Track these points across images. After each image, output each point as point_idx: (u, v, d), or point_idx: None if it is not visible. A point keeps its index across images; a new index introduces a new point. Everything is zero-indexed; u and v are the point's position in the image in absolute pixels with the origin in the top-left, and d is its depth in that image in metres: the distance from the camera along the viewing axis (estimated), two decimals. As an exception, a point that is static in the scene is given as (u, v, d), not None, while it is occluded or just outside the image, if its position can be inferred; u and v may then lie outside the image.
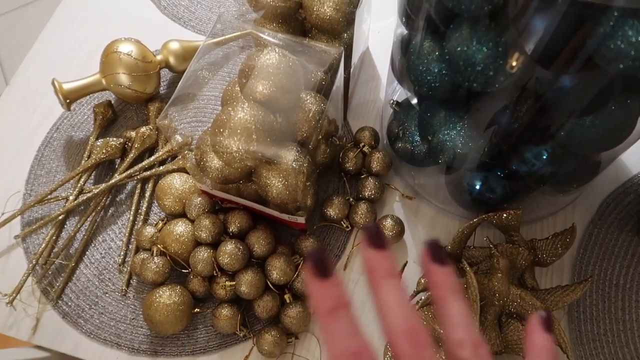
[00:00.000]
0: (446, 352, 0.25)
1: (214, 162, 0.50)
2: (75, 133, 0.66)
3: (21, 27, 1.64)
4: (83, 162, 0.62)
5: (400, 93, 0.65)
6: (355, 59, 0.61)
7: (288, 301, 0.53)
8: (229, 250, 0.52)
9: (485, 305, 0.50)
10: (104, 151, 0.60)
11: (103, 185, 0.59)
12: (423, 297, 0.53)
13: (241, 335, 0.53)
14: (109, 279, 0.58)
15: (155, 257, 0.53)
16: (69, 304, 0.56)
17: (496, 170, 0.53)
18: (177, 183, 0.58)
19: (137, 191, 0.61)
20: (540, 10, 0.35)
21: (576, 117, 0.41)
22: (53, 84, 0.61)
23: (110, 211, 0.61)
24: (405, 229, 0.57)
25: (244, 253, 0.52)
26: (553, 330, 0.27)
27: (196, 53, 0.52)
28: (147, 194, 0.61)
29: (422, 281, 0.54)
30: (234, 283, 0.52)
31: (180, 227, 0.55)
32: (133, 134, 0.63)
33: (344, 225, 0.58)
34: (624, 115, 0.40)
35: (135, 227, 0.60)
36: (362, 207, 0.58)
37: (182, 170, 0.61)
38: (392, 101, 0.58)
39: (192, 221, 0.56)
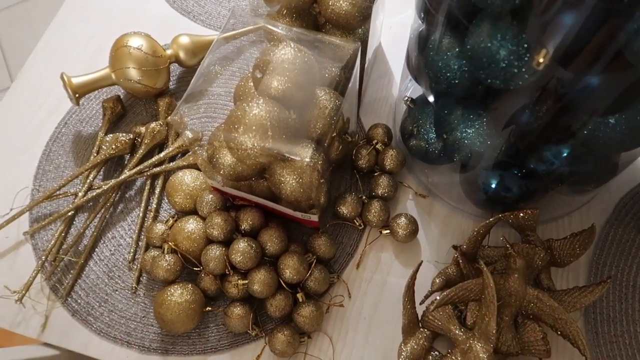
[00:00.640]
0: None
1: (227, 158, 0.50)
2: (83, 128, 0.65)
3: (24, 21, 1.63)
4: (92, 157, 0.61)
5: (413, 90, 0.64)
6: (369, 54, 0.60)
7: (301, 300, 0.52)
8: (241, 248, 0.51)
9: (501, 306, 0.50)
10: (113, 147, 0.60)
11: (112, 181, 0.58)
12: (438, 297, 0.52)
13: (253, 334, 0.53)
14: (119, 276, 0.57)
15: (166, 255, 0.53)
16: (79, 301, 0.56)
17: (512, 169, 0.53)
18: (188, 179, 0.57)
19: (147, 187, 0.60)
20: (568, 5, 0.34)
21: (600, 116, 0.40)
22: (62, 78, 0.60)
23: (119, 207, 0.61)
24: (419, 227, 0.57)
25: (256, 251, 0.51)
26: None
27: (210, 48, 0.51)
28: (157, 190, 0.60)
29: (437, 281, 0.53)
30: (246, 282, 0.51)
31: (192, 225, 0.54)
32: (143, 129, 0.62)
33: (357, 224, 0.57)
34: (650, 114, 0.39)
35: (145, 224, 0.59)
36: (375, 206, 0.57)
37: (193, 166, 0.60)
38: (406, 98, 0.57)
39: (203, 218, 0.56)
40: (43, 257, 0.55)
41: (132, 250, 0.57)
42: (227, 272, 0.52)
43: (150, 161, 0.60)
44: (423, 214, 0.59)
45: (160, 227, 0.56)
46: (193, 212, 0.57)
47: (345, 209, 0.57)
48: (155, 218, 0.59)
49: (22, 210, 0.58)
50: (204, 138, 0.61)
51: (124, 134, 0.61)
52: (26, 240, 0.59)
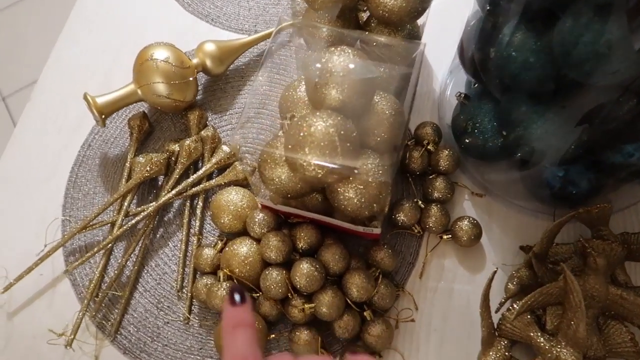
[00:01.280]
0: None
1: (282, 176, 0.46)
2: (109, 149, 0.61)
3: (9, 27, 1.55)
4: (123, 181, 0.57)
5: (454, 84, 0.60)
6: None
7: (369, 318, 0.49)
8: (305, 270, 0.47)
9: (584, 309, 0.47)
10: (147, 168, 0.56)
11: (151, 206, 0.54)
12: (514, 304, 0.50)
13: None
14: (168, 307, 0.53)
15: (223, 283, 0.49)
16: (129, 337, 0.52)
17: (580, 163, 0.50)
18: (234, 198, 0.53)
19: (187, 209, 0.56)
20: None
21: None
22: (86, 99, 0.56)
23: (159, 232, 0.57)
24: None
25: (320, 273, 0.48)
26: None
27: (262, 62, 0.47)
28: (198, 211, 0.56)
29: (510, 287, 0.51)
30: (313, 305, 0.48)
31: (245, 248, 0.51)
32: (176, 147, 0.58)
33: (416, 231, 0.54)
34: None
35: (189, 248, 0.56)
36: (434, 211, 0.54)
37: (234, 183, 0.56)
38: (459, 94, 0.54)
39: (256, 239, 0.52)
40: (87, 295, 0.51)
41: (179, 278, 0.54)
42: (289, 296, 0.49)
43: (188, 181, 0.56)
44: (482, 215, 0.56)
45: (209, 252, 0.52)
46: (241, 232, 0.54)
47: (403, 217, 0.53)
48: (199, 241, 0.56)
49: (57, 245, 0.54)
50: (246, 152, 0.57)
51: (157, 154, 0.57)
52: (62, 275, 0.55)
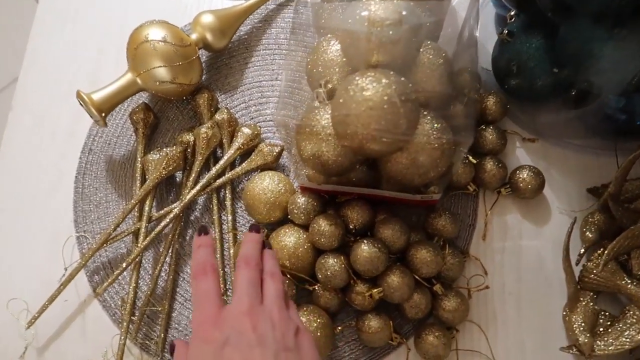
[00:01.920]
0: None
1: (329, 152, 0.40)
2: (114, 151, 0.54)
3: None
4: (137, 183, 0.51)
5: (480, 25, 0.54)
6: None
7: (440, 293, 0.45)
8: (366, 253, 0.42)
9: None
10: (164, 165, 0.49)
11: (176, 207, 0.48)
12: (596, 253, 0.45)
13: (396, 343, 0.45)
14: (214, 314, 0.48)
15: (275, 281, 0.44)
16: (178, 354, 0.47)
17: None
18: (269, 185, 0.47)
19: (214, 203, 0.50)
20: None
21: None
22: (80, 97, 0.49)
23: (188, 234, 0.51)
24: (542, 177, 0.49)
25: (384, 253, 0.43)
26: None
27: (291, 29, 0.40)
28: (227, 204, 0.50)
29: (589, 235, 0.46)
30: (381, 289, 0.43)
31: (291, 238, 0.45)
32: (190, 137, 0.51)
33: (471, 190, 0.49)
34: None
35: (225, 245, 0.50)
36: (490, 165, 0.49)
37: (263, 167, 0.50)
38: (503, 31, 0.48)
39: (302, 226, 0.47)
40: (125, 316, 0.46)
41: (221, 281, 0.48)
42: (351, 283, 0.44)
43: (212, 173, 0.50)
44: (538, 161, 0.51)
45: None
46: (281, 221, 0.48)
47: (457, 176, 0.48)
48: (235, 237, 0.50)
49: (79, 266, 0.47)
50: (262, 132, 0.51)
51: (171, 148, 0.50)
52: (90, 297, 0.49)
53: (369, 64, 0.37)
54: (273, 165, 0.51)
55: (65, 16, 0.61)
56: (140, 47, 0.49)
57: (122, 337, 0.45)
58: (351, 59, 0.39)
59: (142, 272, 0.49)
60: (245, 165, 0.50)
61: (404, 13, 0.35)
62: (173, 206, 0.49)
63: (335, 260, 0.43)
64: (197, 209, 0.52)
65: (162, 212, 0.50)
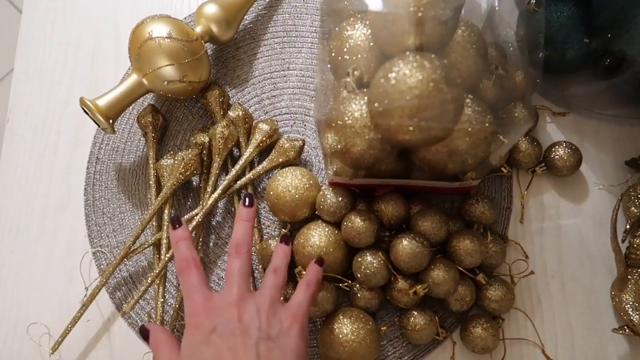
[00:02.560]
0: None
1: (362, 145, 0.37)
2: (123, 158, 0.51)
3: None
4: (153, 191, 0.48)
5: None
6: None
7: (484, 282, 0.43)
8: (409, 249, 0.40)
9: None
10: (181, 170, 0.46)
11: (198, 214, 0.46)
12: (642, 228, 0.44)
13: (442, 338, 0.43)
14: (248, 322, 0.46)
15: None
16: (214, 368, 0.45)
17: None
18: (293, 182, 0.45)
19: (236, 205, 0.48)
20: None
21: None
22: (84, 104, 0.45)
23: (211, 240, 0.48)
24: (577, 153, 0.47)
25: (427, 247, 0.41)
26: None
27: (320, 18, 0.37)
28: (250, 205, 0.48)
29: (634, 209, 0.44)
30: (425, 285, 0.41)
31: (320, 236, 0.43)
32: (205, 138, 0.48)
33: (505, 171, 0.47)
34: None
35: (253, 249, 0.47)
36: (524, 144, 0.47)
37: (284, 164, 0.48)
38: (530, 0, 0.45)
39: (330, 223, 0.44)
40: (155, 334, 0.43)
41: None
42: (391, 280, 0.42)
43: (232, 174, 0.47)
44: (570, 135, 0.49)
45: (274, 244, 0.44)
46: (308, 218, 0.46)
47: (491, 158, 0.46)
48: (261, 237, 0.48)
49: (100, 284, 0.45)
50: (279, 126, 0.48)
51: (186, 152, 0.47)
52: (112, 316, 0.47)
53: (404, 48, 0.34)
54: (295, 161, 0.48)
55: (52, 17, 0.57)
56: (144, 46, 0.45)
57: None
58: (384, 44, 0.36)
59: (167, 285, 0.47)
60: (266, 164, 0.48)
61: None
62: (193, 213, 0.46)
63: (374, 257, 0.41)
64: (218, 213, 0.49)
65: (183, 219, 0.47)
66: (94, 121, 0.46)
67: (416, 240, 0.40)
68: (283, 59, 0.53)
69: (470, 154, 0.37)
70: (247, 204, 0.40)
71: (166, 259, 0.44)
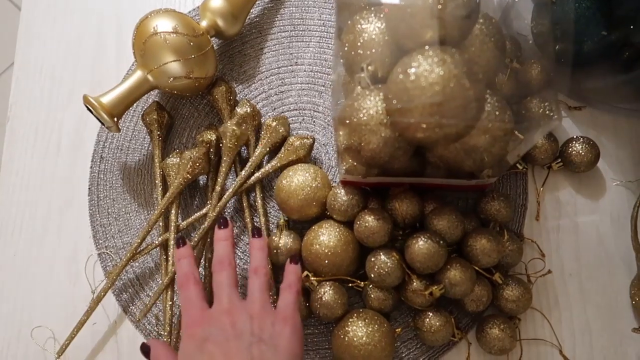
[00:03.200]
0: None
1: (378, 143, 0.36)
2: (128, 157, 0.50)
3: None
4: (159, 190, 0.47)
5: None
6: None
7: (500, 282, 0.42)
8: (425, 249, 0.39)
9: None
10: (188, 169, 0.45)
11: (208, 214, 0.44)
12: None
13: (457, 339, 0.42)
14: (258, 324, 0.45)
15: (320, 289, 0.41)
16: (224, 371, 0.44)
17: None
18: (304, 180, 0.44)
19: (245, 206, 0.47)
20: None
21: None
22: (88, 102, 0.44)
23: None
24: (595, 148, 0.46)
25: (443, 247, 0.39)
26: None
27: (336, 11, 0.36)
28: (259, 203, 0.46)
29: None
30: (442, 286, 0.40)
31: (330, 235, 0.42)
32: (212, 135, 0.47)
33: (521, 167, 0.46)
34: None
35: (261, 251, 0.46)
36: (541, 139, 0.45)
37: (294, 162, 0.46)
38: (548, -8, 0.44)
39: (341, 222, 0.43)
40: (165, 338, 0.42)
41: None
42: (405, 280, 0.41)
43: (243, 174, 0.46)
44: (587, 130, 0.48)
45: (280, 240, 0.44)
46: (318, 217, 0.45)
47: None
48: (269, 235, 0.46)
49: (106, 287, 0.44)
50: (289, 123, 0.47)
51: (194, 150, 0.46)
52: (119, 320, 0.46)
53: (422, 42, 0.33)
54: (306, 159, 0.47)
55: (52, 13, 0.55)
56: (149, 41, 0.44)
57: None
58: (402, 37, 0.34)
59: (175, 286, 0.46)
60: (275, 162, 0.46)
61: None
62: (202, 213, 0.45)
63: (388, 256, 0.40)
64: (227, 213, 0.48)
65: (191, 219, 0.46)
66: (98, 119, 0.45)
67: (432, 239, 0.39)
68: (291, 54, 0.52)
69: (489, 152, 0.36)
70: (222, 227, 0.41)
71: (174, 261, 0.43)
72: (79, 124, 0.51)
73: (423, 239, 0.39)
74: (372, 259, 0.41)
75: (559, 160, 0.46)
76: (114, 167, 0.50)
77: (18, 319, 0.46)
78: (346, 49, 0.39)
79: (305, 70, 0.51)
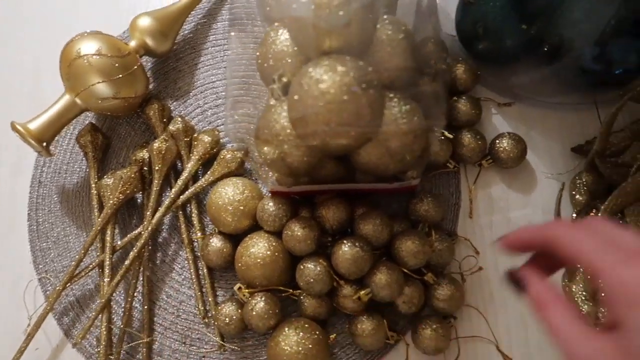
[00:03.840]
0: None
1: (293, 153, 0.37)
2: (66, 180, 0.50)
3: None
4: (95, 212, 0.47)
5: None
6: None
7: (432, 282, 0.42)
8: (348, 255, 0.39)
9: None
10: (119, 190, 0.45)
11: (143, 232, 0.45)
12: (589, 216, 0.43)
13: (393, 342, 0.42)
14: (198, 338, 0.45)
15: (252, 299, 0.41)
16: (166, 388, 0.44)
17: (623, 35, 0.42)
18: (233, 194, 0.44)
19: (181, 221, 0.47)
20: None
21: None
22: (15, 129, 0.44)
23: (158, 258, 0.47)
24: (523, 143, 0.46)
25: (367, 251, 0.40)
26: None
27: (229, 23, 0.36)
28: (195, 220, 0.47)
29: (579, 197, 0.44)
30: (369, 290, 0.40)
31: (261, 247, 0.42)
32: (145, 153, 0.48)
33: (451, 167, 0.46)
34: None
35: (200, 264, 0.46)
36: (468, 137, 0.46)
37: (227, 175, 0.47)
38: (462, -7, 0.44)
39: (273, 233, 0.43)
40: (100, 357, 0.42)
41: (199, 303, 0.45)
42: (334, 286, 0.41)
43: (174, 190, 0.46)
44: (517, 125, 0.49)
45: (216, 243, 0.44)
46: (252, 228, 0.45)
47: (434, 155, 0.45)
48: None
49: (44, 312, 0.44)
50: (222, 135, 0.48)
51: (125, 170, 0.46)
52: (61, 344, 0.46)
53: (322, 51, 0.33)
54: (239, 172, 0.47)
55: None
56: (73, 64, 0.45)
57: (103, 383, 0.42)
58: (302, 48, 0.35)
59: (114, 306, 0.46)
60: (208, 177, 0.47)
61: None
62: (136, 232, 0.46)
63: (315, 264, 0.40)
64: (164, 230, 0.48)
65: (126, 239, 0.46)
66: (29, 145, 0.45)
67: (356, 245, 0.39)
68: (225, 68, 0.53)
69: (402, 154, 0.37)
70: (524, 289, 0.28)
71: (114, 284, 0.43)
72: (19, 149, 0.51)
73: (347, 244, 0.40)
74: (301, 267, 0.41)
75: (489, 157, 0.46)
76: (52, 191, 0.50)
77: (-39, 349, 0.46)
78: (259, 61, 0.40)
79: (239, 83, 0.52)
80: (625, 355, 0.22)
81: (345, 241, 0.40)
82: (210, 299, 0.45)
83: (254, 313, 0.41)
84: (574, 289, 0.42)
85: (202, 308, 0.45)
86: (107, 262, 0.45)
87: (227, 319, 0.42)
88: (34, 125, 0.45)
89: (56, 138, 0.48)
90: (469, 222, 0.46)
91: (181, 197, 0.46)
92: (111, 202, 0.45)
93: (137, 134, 0.51)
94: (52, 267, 0.48)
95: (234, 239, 0.45)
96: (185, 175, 0.46)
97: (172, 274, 0.47)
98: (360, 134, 0.32)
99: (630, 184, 0.40)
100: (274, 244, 0.42)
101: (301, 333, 0.40)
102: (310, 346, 0.39)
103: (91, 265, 0.45)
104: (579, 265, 0.32)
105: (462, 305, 0.43)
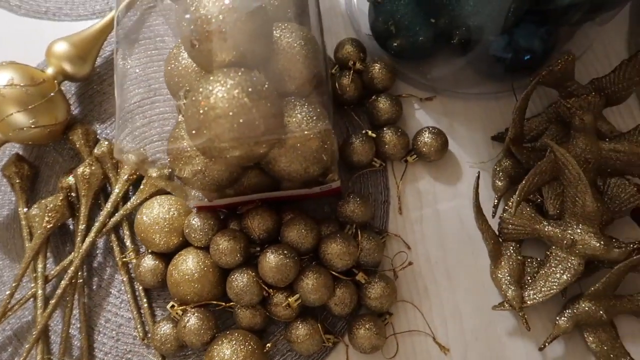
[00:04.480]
0: None
1: (204, 168, 0.37)
2: (-5, 213, 0.50)
3: None
4: (27, 243, 0.46)
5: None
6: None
7: (364, 281, 0.42)
8: (273, 263, 0.39)
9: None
10: (46, 219, 0.45)
11: (74, 259, 0.44)
12: (510, 202, 0.44)
13: (330, 344, 0.43)
14: (140, 360, 0.45)
15: (185, 316, 0.41)
16: (109, 413, 0.44)
17: (526, 23, 0.43)
18: (159, 213, 0.44)
19: (114, 244, 0.47)
20: None
21: None
22: None
23: (94, 283, 0.47)
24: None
25: (292, 258, 0.40)
26: None
27: (115, 40, 0.36)
28: (128, 242, 0.47)
29: (499, 183, 0.44)
30: (298, 296, 0.40)
31: (190, 263, 0.42)
32: (71, 179, 0.47)
33: (377, 165, 0.47)
34: None
35: (137, 285, 0.46)
36: (388, 135, 0.46)
37: (156, 193, 0.47)
38: (369, -6, 0.45)
39: (203, 248, 0.43)
40: (38, 391, 0.42)
41: (138, 325, 0.45)
42: (265, 295, 0.41)
43: (103, 214, 0.46)
44: (440, 118, 0.49)
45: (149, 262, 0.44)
46: (184, 245, 0.45)
47: (358, 156, 0.46)
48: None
49: (-22, 348, 0.43)
50: (150, 155, 0.47)
51: (51, 198, 0.46)
52: (3, 377, 0.45)
53: (216, 66, 0.34)
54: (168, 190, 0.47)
55: None
56: (-15, 97, 0.44)
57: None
58: (198, 65, 0.35)
59: (52, 336, 0.46)
60: (137, 197, 0.47)
61: (227, 2, 0.31)
62: (68, 259, 0.45)
63: (243, 275, 0.41)
64: (99, 254, 0.48)
65: (59, 267, 0.46)
66: (-51, 182, 0.45)
67: (280, 253, 0.40)
68: (149, 86, 0.52)
69: (313, 159, 0.37)
70: None
71: (47, 315, 0.43)
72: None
73: (271, 253, 0.40)
74: (230, 279, 0.41)
75: (413, 152, 0.47)
76: (-18, 225, 0.49)
77: None
78: (166, 79, 0.40)
79: (164, 100, 0.52)
80: None
81: (269, 250, 0.40)
82: (149, 320, 0.45)
83: (187, 330, 0.41)
84: (499, 275, 0.42)
85: (141, 329, 0.45)
86: (40, 292, 0.44)
87: (163, 338, 0.42)
88: (-49, 162, 0.44)
89: (-19, 172, 0.48)
90: (400, 218, 0.47)
91: (111, 219, 0.46)
92: (39, 231, 0.45)
93: (65, 160, 0.51)
94: (-14, 302, 0.47)
95: (167, 257, 0.45)
96: (113, 197, 0.46)
97: (109, 298, 0.47)
98: (256, 144, 0.33)
99: (545, 162, 0.41)
100: (203, 259, 0.42)
101: (235, 345, 0.40)
102: (243, 357, 0.40)
103: (25, 297, 0.45)
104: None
105: (396, 301, 0.44)
